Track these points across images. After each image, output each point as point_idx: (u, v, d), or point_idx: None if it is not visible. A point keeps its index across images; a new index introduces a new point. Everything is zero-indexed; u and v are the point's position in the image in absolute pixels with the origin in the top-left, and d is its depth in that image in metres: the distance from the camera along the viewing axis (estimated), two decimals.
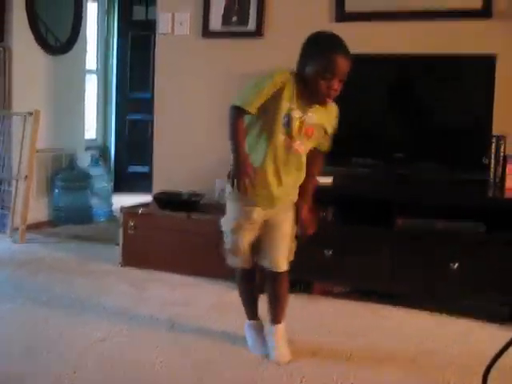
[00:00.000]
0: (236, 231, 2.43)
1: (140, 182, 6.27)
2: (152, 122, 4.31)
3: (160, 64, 4.20)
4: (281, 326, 2.49)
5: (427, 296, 3.15)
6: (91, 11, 6.26)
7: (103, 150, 6.70)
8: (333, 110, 2.42)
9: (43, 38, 5.00)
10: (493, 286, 2.98)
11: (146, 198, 4.13)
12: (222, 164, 3.95)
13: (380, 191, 3.20)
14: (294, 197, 2.45)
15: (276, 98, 2.26)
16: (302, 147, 2.36)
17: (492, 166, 3.31)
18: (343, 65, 2.23)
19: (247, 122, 2.35)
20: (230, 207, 2.46)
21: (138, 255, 3.74)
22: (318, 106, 2.33)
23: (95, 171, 5.44)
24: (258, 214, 2.39)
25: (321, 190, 3.20)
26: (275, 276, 2.46)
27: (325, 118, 2.38)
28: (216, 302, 3.18)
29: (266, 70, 3.79)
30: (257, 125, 2.33)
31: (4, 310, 2.92)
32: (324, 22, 3.71)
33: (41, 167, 4.96)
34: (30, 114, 4.53)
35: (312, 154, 2.44)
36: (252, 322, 2.62)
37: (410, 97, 3.44)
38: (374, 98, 3.47)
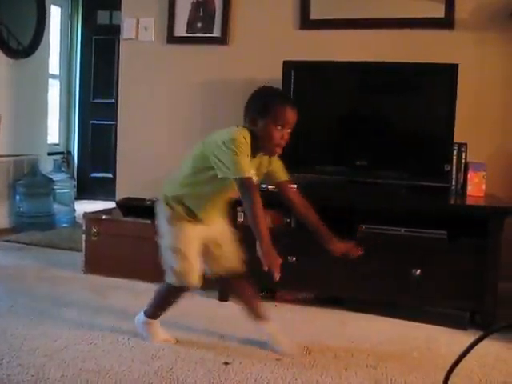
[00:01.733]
0: (187, 252, 2.51)
1: (103, 188, 6.22)
2: (115, 127, 4.28)
3: (124, 69, 4.18)
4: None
5: (389, 303, 3.18)
6: (55, 15, 6.19)
7: (66, 156, 6.62)
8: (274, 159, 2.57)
9: (5, 41, 4.93)
10: (454, 292, 3.03)
11: (109, 204, 4.10)
12: None
13: (343, 198, 3.22)
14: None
15: None
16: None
17: (454, 173, 3.37)
18: (293, 115, 2.42)
19: (194, 168, 2.53)
20: (174, 230, 2.55)
21: (100, 262, 3.70)
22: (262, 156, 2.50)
23: (58, 177, 5.37)
24: (202, 231, 2.54)
25: None
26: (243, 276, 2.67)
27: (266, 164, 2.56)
28: (180, 308, 3.15)
29: (230, 77, 3.84)
30: (208, 174, 2.44)
31: None
32: (289, 29, 3.74)
33: (2, 173, 4.88)
34: None
35: (297, 203, 2.68)
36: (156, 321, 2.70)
37: (372, 105, 3.48)
38: (337, 105, 3.51)
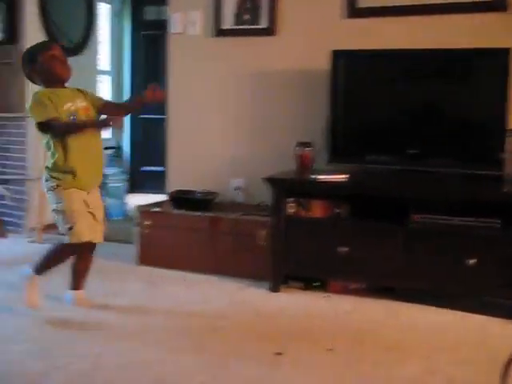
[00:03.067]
0: (79, 214, 2.82)
1: (154, 181, 6.29)
2: (165, 121, 4.33)
3: (172, 64, 4.21)
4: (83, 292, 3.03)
5: (442, 292, 3.14)
6: (103, 12, 6.29)
7: (117, 150, 6.72)
8: (74, 89, 2.94)
9: (56, 40, 5.02)
10: (508, 281, 2.96)
11: (161, 198, 4.15)
12: (236, 163, 4.00)
13: (394, 188, 3.19)
14: (101, 179, 2.99)
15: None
16: None
17: (507, 161, 3.28)
18: (54, 46, 2.94)
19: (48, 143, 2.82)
20: (63, 195, 2.82)
21: (153, 254, 3.75)
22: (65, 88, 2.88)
23: (110, 171, 5.46)
24: (86, 196, 2.86)
25: (335, 187, 3.23)
26: (93, 247, 3.00)
27: (78, 94, 2.91)
28: (231, 300, 3.19)
29: (278, 68, 3.84)
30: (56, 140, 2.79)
31: (22, 309, 2.94)
32: (335, 18, 3.70)
33: None
34: None
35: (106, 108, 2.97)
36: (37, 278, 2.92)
37: (423, 92, 3.42)
38: (387, 94, 3.46)
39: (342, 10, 3.71)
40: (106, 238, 4.49)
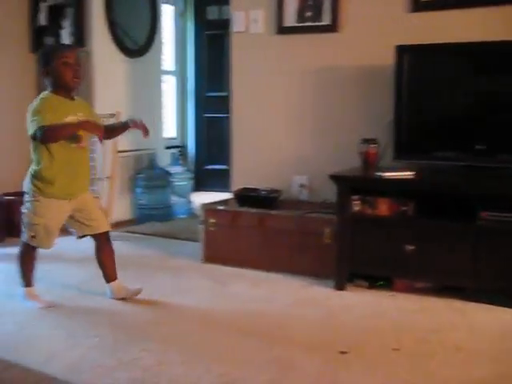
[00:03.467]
0: (48, 225, 2.93)
1: (218, 180, 6.36)
2: (229, 119, 4.36)
3: (235, 62, 4.24)
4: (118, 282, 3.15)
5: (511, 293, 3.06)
6: (167, 13, 6.39)
7: (182, 149, 6.82)
8: (82, 102, 3.07)
9: (121, 42, 5.14)
10: None
11: (225, 196, 4.18)
12: (300, 160, 4.00)
13: (461, 185, 3.12)
14: (88, 183, 3.09)
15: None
16: (86, 142, 2.99)
17: None
18: (71, 52, 2.94)
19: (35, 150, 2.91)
20: (39, 205, 2.92)
21: (218, 251, 3.79)
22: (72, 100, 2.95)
23: (175, 169, 5.55)
24: (65, 206, 2.96)
25: (401, 185, 3.19)
26: (106, 236, 3.11)
27: (82, 107, 3.02)
28: (296, 298, 3.19)
29: (342, 64, 3.81)
30: (42, 149, 2.87)
31: (91, 306, 3.03)
32: (399, 12, 3.64)
33: (123, 167, 5.11)
34: (112, 115, 4.66)
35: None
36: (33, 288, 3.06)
37: (490, 86, 3.33)
38: (452, 88, 3.38)
39: (405, 4, 3.65)
40: (172, 236, 4.60)
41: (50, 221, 2.93)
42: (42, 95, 2.91)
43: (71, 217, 3.02)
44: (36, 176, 2.89)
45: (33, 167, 2.92)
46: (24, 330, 2.72)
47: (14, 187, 4.41)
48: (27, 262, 3.03)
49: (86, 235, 3.08)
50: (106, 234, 3.12)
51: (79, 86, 2.99)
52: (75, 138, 2.88)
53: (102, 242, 3.11)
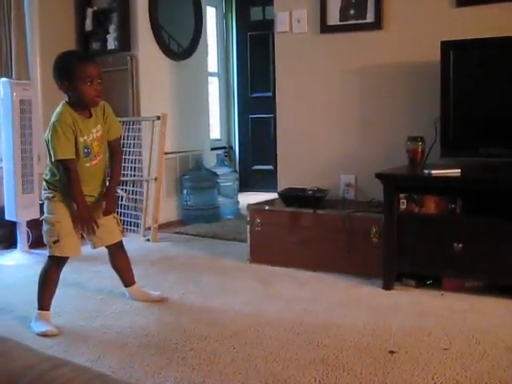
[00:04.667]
0: (66, 229, 2.80)
1: (264, 180, 6.38)
2: (274, 119, 4.37)
3: (279, 62, 4.25)
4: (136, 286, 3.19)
5: None
6: (210, 16, 6.44)
7: (228, 150, 6.87)
8: (99, 106, 2.85)
9: (166, 45, 5.21)
10: None
11: (271, 196, 4.19)
12: (346, 159, 3.98)
13: (510, 181, 3.05)
14: (103, 189, 2.96)
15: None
16: (101, 155, 2.87)
17: None
18: (93, 68, 2.72)
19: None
20: (56, 207, 2.82)
21: (265, 252, 3.80)
22: (90, 116, 2.79)
23: (221, 170, 5.59)
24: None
25: (449, 182, 3.14)
26: (120, 244, 3.07)
27: (99, 119, 2.84)
28: (344, 297, 3.17)
29: (387, 62, 3.78)
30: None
31: (139, 306, 3.07)
32: (444, 7, 3.59)
33: (169, 169, 5.17)
34: (158, 118, 4.73)
35: (111, 149, 2.95)
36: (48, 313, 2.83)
37: None
38: (500, 84, 3.31)
39: (450, 0, 3.59)
40: (219, 237, 4.63)
41: (68, 218, 2.80)
42: (60, 108, 2.74)
43: None
44: (51, 183, 2.82)
45: (48, 176, 2.83)
46: (73, 329, 2.78)
47: None
48: (49, 283, 2.83)
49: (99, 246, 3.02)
50: (119, 243, 3.07)
51: (99, 102, 2.83)
52: (89, 156, 2.79)
53: (116, 251, 3.09)
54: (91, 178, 2.86)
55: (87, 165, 2.80)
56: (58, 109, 2.75)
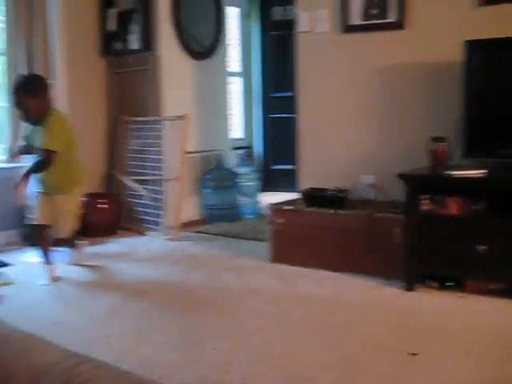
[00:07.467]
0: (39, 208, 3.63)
1: (285, 180, 6.37)
2: (295, 119, 4.36)
3: (301, 62, 4.24)
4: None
5: None
6: (232, 15, 6.44)
7: (249, 150, 6.87)
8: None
9: (188, 45, 5.22)
10: None
11: (292, 196, 4.19)
12: (367, 159, 3.97)
13: None
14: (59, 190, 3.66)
15: None
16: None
17: None
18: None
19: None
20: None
21: (286, 251, 3.80)
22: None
23: (242, 170, 5.59)
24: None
25: (471, 183, 3.11)
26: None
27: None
28: (365, 298, 3.16)
29: (409, 61, 3.76)
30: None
31: (162, 304, 3.09)
32: (467, 7, 3.56)
33: (191, 168, 5.18)
34: (180, 117, 4.75)
35: None
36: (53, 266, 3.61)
37: None
38: None
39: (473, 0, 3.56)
40: (240, 236, 4.64)
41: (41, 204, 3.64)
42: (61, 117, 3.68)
43: None
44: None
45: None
46: (95, 328, 2.80)
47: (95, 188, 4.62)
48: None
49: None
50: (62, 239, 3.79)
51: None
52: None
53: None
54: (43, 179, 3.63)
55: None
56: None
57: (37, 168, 3.51)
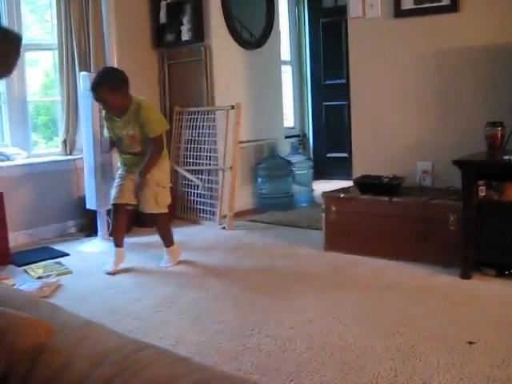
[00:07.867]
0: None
1: (339, 168, 6.35)
2: (347, 107, 4.33)
3: (353, 48, 4.20)
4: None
5: None
6: (282, 4, 6.42)
7: (302, 138, 6.86)
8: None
9: (239, 35, 5.24)
10: None
11: (346, 183, 4.16)
12: (422, 146, 3.91)
13: None
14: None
15: None
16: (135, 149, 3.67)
17: None
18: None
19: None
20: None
21: (340, 240, 3.79)
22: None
23: (295, 158, 5.59)
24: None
25: None
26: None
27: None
28: (420, 286, 3.13)
29: (463, 45, 3.68)
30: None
31: (217, 292, 3.13)
32: None
33: (245, 157, 5.21)
34: (232, 107, 4.77)
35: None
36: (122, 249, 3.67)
37: None
38: None
39: None
40: (294, 225, 4.65)
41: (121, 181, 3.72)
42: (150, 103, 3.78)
43: None
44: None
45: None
46: (153, 315, 2.86)
47: None
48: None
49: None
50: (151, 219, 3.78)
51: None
52: (121, 146, 3.71)
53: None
54: (130, 164, 3.68)
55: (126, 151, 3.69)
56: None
57: (155, 159, 3.58)
